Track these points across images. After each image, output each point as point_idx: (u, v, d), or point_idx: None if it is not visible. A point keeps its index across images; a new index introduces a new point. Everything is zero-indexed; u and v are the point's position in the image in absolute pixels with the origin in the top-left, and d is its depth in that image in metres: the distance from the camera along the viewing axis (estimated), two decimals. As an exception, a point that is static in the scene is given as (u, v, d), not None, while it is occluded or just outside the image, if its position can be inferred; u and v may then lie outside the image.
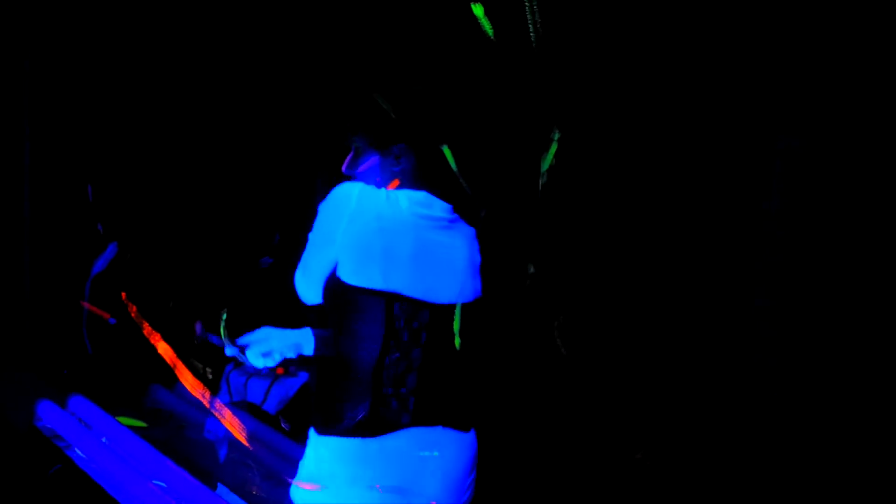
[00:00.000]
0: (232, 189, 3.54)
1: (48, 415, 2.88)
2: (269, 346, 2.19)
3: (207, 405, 2.67)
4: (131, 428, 2.87)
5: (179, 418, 3.08)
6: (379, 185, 2.13)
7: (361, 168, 2.14)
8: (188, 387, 2.75)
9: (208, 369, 2.77)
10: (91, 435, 2.82)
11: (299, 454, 2.42)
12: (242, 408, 3.47)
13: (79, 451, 2.75)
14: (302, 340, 2.22)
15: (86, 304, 3.32)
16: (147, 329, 2.90)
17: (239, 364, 3.86)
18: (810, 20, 2.44)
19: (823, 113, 2.48)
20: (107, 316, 3.35)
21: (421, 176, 2.13)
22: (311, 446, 2.04)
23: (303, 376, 3.69)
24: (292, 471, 2.38)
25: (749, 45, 2.51)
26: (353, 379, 1.99)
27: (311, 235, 2.04)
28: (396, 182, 2.13)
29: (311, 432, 2.04)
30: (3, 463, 2.78)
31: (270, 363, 2.19)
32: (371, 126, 2.13)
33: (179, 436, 3.05)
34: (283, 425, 2.66)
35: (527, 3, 1.69)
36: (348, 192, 2.04)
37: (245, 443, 2.52)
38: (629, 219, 2.72)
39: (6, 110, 3.41)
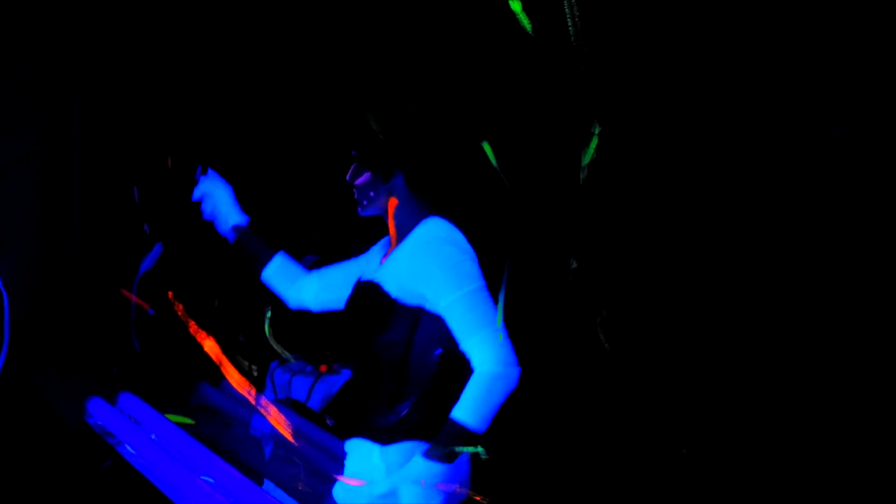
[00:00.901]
0: (273, 189, 3.57)
1: (98, 411, 2.94)
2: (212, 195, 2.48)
3: (253, 402, 2.70)
4: (179, 425, 2.91)
5: (226, 415, 3.13)
6: (374, 200, 2.25)
7: (359, 182, 2.27)
8: (234, 384, 2.79)
9: (254, 367, 2.80)
10: (140, 431, 2.87)
11: (343, 450, 2.46)
12: (287, 405, 3.51)
13: (129, 448, 2.81)
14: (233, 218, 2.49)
15: (126, 293, 3.37)
16: (193, 327, 2.95)
17: (283, 362, 3.91)
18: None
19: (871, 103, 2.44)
20: (146, 306, 3.40)
21: (418, 194, 2.22)
22: (378, 456, 2.14)
23: (346, 374, 3.72)
24: (337, 467, 2.41)
25: (792, 35, 2.48)
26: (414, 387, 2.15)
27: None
28: (395, 201, 2.24)
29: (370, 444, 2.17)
30: (56, 459, 2.85)
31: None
32: (363, 145, 2.25)
33: (226, 433, 3.09)
34: (328, 422, 2.68)
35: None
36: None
37: (291, 439, 2.55)
38: (672, 212, 2.70)
39: (55, 114, 3.49)
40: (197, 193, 2.54)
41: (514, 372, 2.01)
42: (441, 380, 2.13)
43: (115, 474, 2.76)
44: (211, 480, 2.59)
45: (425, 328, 2.13)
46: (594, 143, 1.78)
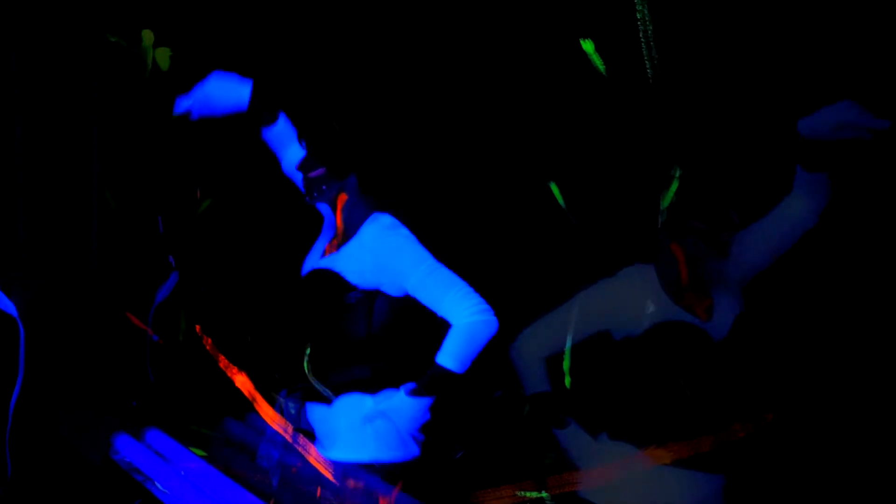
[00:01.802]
0: (308, 222, 3.54)
1: (126, 448, 2.88)
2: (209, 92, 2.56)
3: (290, 439, 2.66)
4: (207, 459, 2.87)
5: (252, 450, 3.08)
6: (325, 193, 2.51)
7: (312, 175, 2.50)
8: (268, 421, 2.75)
9: (291, 403, 2.77)
10: (169, 468, 2.81)
11: (385, 489, 2.45)
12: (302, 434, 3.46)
13: (158, 485, 2.75)
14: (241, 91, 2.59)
15: (136, 320, 3.33)
16: (223, 362, 2.91)
17: (293, 391, 3.86)
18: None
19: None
20: (150, 332, 3.36)
21: (366, 192, 2.51)
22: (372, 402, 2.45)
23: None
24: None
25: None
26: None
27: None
28: (345, 196, 2.50)
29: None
30: (85, 497, 2.79)
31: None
32: (320, 141, 2.49)
33: (252, 467, 3.04)
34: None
35: (642, 39, 1.69)
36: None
37: (332, 479, 2.51)
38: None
39: (76, 140, 3.44)
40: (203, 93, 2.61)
41: (490, 318, 2.31)
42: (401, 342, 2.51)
43: (147, 513, 2.70)
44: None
45: (380, 306, 2.47)
46: (675, 186, 1.79)
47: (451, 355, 2.34)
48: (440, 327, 2.35)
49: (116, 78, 3.44)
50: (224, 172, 3.39)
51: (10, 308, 3.12)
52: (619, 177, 2.56)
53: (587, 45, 1.81)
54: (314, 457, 2.56)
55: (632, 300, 2.28)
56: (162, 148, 3.39)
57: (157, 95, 3.30)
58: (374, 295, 2.48)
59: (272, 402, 2.97)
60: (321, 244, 2.68)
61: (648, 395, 2.25)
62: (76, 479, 2.93)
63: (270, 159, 2.90)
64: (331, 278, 2.50)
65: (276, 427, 2.70)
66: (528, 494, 2.32)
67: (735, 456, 2.23)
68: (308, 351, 2.61)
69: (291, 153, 2.77)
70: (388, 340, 2.50)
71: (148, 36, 2.91)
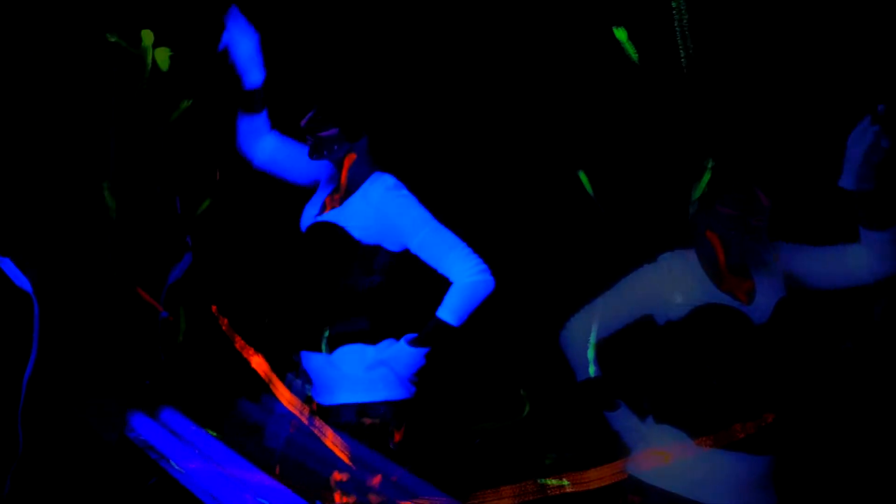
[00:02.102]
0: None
1: (141, 426, 2.89)
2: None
3: (306, 422, 2.67)
4: (220, 439, 2.87)
5: (266, 432, 3.08)
6: (335, 153, 2.62)
7: (323, 134, 2.60)
8: (285, 403, 2.75)
9: (307, 385, 2.77)
10: (184, 447, 2.82)
11: (400, 474, 2.49)
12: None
13: (174, 464, 2.76)
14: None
15: (146, 296, 3.33)
16: (239, 343, 2.91)
17: (300, 374, 3.87)
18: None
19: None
20: (160, 308, 3.36)
21: (373, 154, 2.63)
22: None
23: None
24: (398, 494, 2.42)
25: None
26: None
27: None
28: (353, 156, 2.61)
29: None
30: (101, 474, 2.80)
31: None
32: (338, 103, 2.60)
33: (265, 449, 3.05)
34: (390, 445, 2.65)
35: (677, 27, 1.68)
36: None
37: (349, 462, 2.52)
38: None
39: (93, 124, 3.44)
40: (223, 42, 2.76)
41: (488, 278, 2.51)
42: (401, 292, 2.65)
43: (162, 491, 2.71)
44: (265, 502, 2.56)
45: (380, 261, 2.60)
46: (707, 176, 1.79)
47: (451, 310, 2.52)
48: (434, 282, 2.53)
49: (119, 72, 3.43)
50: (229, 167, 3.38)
51: (26, 284, 3.12)
52: (650, 166, 2.55)
53: (620, 34, 1.80)
54: (330, 439, 2.57)
55: (673, 285, 2.31)
56: (166, 142, 3.39)
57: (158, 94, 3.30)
58: (376, 250, 2.60)
59: (289, 385, 2.98)
60: (319, 198, 2.76)
61: (690, 379, 2.28)
62: (90, 457, 2.93)
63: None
64: (334, 231, 2.61)
65: (292, 409, 2.71)
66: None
67: (778, 438, 2.25)
68: (326, 333, 2.63)
69: (263, 144, 2.86)
70: (387, 294, 2.64)
71: (148, 36, 2.92)
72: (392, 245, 2.62)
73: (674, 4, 1.67)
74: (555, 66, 2.89)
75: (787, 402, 2.23)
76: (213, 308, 2.99)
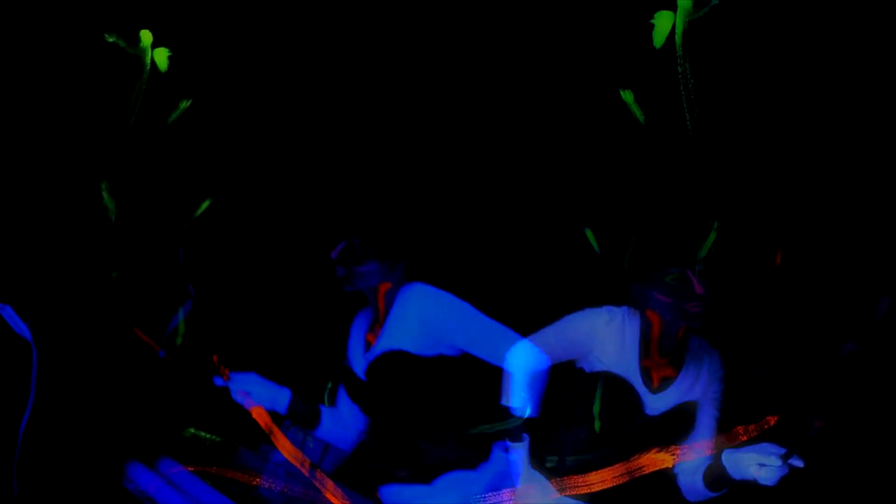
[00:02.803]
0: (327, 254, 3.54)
1: (139, 476, 2.87)
2: (248, 390, 2.70)
3: (307, 474, 2.66)
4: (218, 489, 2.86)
5: (264, 482, 3.07)
6: (375, 285, 2.58)
7: (362, 269, 2.57)
8: (285, 454, 2.75)
9: (308, 437, 2.77)
10: (183, 498, 2.80)
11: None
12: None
13: (172, 515, 2.74)
14: (278, 397, 2.72)
15: (137, 331, 3.32)
16: (241, 393, 2.90)
17: (296, 422, 3.85)
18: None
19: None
20: (157, 348, 3.35)
21: (410, 278, 2.58)
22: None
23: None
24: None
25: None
26: None
27: None
28: (388, 284, 2.58)
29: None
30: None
31: (245, 405, 2.69)
32: (375, 237, 2.58)
33: (264, 500, 3.03)
34: (397, 474, 2.65)
35: (682, 90, 1.73)
36: None
37: (350, 513, 2.51)
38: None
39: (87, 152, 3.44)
40: (236, 395, 2.76)
41: (545, 357, 2.40)
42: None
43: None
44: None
45: (445, 366, 2.54)
46: (712, 237, 1.82)
47: (523, 401, 2.41)
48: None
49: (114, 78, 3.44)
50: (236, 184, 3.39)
51: (25, 331, 3.11)
52: (656, 224, 2.59)
53: (627, 96, 1.85)
54: (331, 492, 2.56)
55: (600, 338, 2.32)
56: (164, 156, 3.40)
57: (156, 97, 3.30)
58: (441, 360, 2.55)
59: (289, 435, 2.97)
60: (359, 335, 2.73)
61: (568, 435, 2.33)
62: (88, 507, 2.90)
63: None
64: (395, 359, 2.56)
65: (292, 460, 2.70)
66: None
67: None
68: (329, 386, 2.64)
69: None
70: (461, 408, 2.58)
71: (146, 36, 2.92)
72: (449, 350, 2.58)
73: (680, 69, 1.72)
74: (565, 127, 2.95)
75: (789, 405, 2.24)
76: (214, 358, 2.99)
